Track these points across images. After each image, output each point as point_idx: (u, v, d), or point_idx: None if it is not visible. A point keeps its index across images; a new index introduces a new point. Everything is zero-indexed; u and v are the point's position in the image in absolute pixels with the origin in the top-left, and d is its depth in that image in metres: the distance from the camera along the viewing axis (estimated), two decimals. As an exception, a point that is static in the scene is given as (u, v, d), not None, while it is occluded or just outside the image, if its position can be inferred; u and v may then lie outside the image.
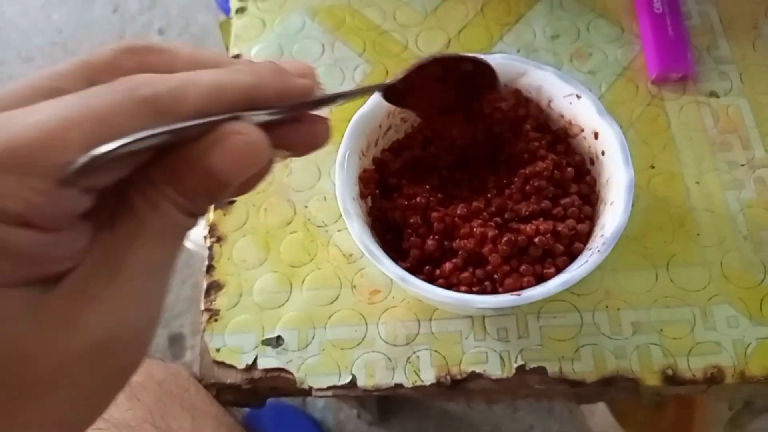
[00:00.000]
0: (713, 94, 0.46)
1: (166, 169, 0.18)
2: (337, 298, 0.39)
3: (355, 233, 0.32)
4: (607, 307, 0.39)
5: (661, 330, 0.38)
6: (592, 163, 0.37)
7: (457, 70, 0.35)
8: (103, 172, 0.17)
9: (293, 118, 0.21)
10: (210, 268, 0.40)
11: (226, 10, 0.77)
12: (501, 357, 0.38)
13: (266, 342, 0.38)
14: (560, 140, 0.38)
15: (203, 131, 0.18)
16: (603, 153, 0.35)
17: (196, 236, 0.91)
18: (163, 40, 1.27)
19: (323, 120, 0.22)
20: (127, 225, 0.18)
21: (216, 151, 0.18)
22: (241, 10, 0.52)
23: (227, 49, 0.51)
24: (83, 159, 0.16)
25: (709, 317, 0.38)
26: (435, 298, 0.31)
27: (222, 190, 0.18)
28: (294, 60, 0.25)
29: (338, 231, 0.41)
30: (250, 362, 0.37)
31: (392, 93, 0.33)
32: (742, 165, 0.43)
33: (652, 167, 0.43)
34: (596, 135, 0.36)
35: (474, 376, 0.37)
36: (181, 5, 1.30)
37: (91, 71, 0.18)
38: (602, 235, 0.32)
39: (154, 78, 0.17)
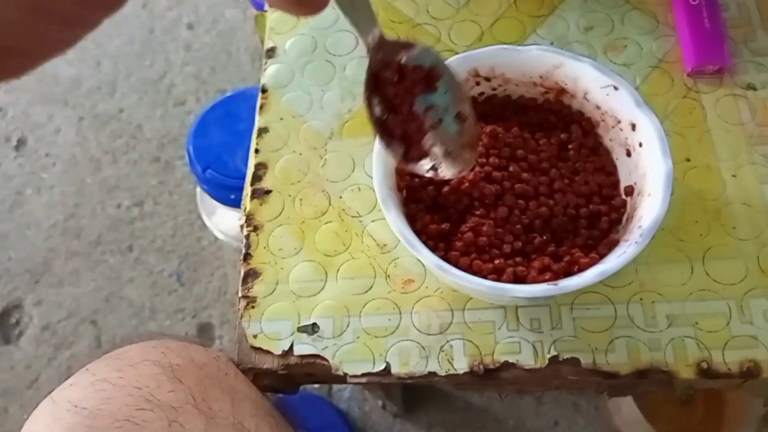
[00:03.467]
0: (750, 87, 0.45)
1: None
2: (371, 287, 0.40)
3: (392, 222, 0.33)
4: (641, 299, 0.39)
5: (696, 323, 0.38)
6: (629, 155, 0.37)
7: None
8: None
9: None
10: (247, 257, 0.41)
11: (258, 5, 0.78)
12: (534, 347, 0.38)
13: (302, 329, 0.39)
14: (588, 133, 0.39)
15: None
16: (641, 144, 0.35)
17: (227, 227, 0.92)
18: (191, 35, 1.28)
19: None
20: None
21: None
22: (275, 4, 0.52)
23: (262, 42, 0.52)
24: None
25: (745, 311, 0.38)
26: (470, 287, 0.32)
27: None
28: None
29: (372, 221, 0.42)
30: (286, 348, 0.38)
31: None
32: (780, 158, 0.42)
33: (688, 160, 0.43)
34: (633, 126, 0.36)
35: (507, 365, 0.37)
36: (210, 1, 1.31)
37: None
38: (640, 227, 0.32)
39: None
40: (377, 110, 0.34)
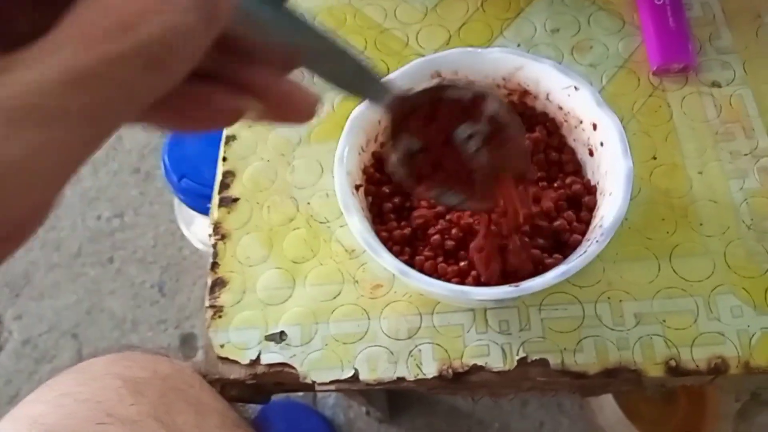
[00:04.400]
0: (715, 84, 0.45)
1: None
2: (339, 293, 0.40)
3: (355, 228, 0.33)
4: (609, 298, 0.39)
5: (664, 321, 0.38)
6: (591, 154, 0.37)
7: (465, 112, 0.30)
8: None
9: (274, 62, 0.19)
10: (214, 266, 0.41)
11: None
12: (503, 349, 0.38)
13: (270, 337, 0.38)
14: (552, 134, 0.39)
15: None
16: (602, 144, 0.35)
17: (205, 236, 0.92)
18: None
19: (310, 93, 0.20)
20: None
21: None
22: (243, 11, 0.52)
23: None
24: None
25: (712, 307, 0.38)
26: (434, 291, 0.32)
27: None
28: None
29: (340, 227, 0.42)
30: (254, 357, 0.38)
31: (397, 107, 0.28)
32: (746, 154, 0.43)
33: (654, 158, 0.43)
34: (594, 126, 0.36)
35: (476, 368, 0.37)
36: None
37: None
38: (601, 226, 0.32)
39: None
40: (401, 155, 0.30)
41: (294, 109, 0.20)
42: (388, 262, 0.31)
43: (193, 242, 0.94)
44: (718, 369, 0.36)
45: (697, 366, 0.37)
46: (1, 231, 0.14)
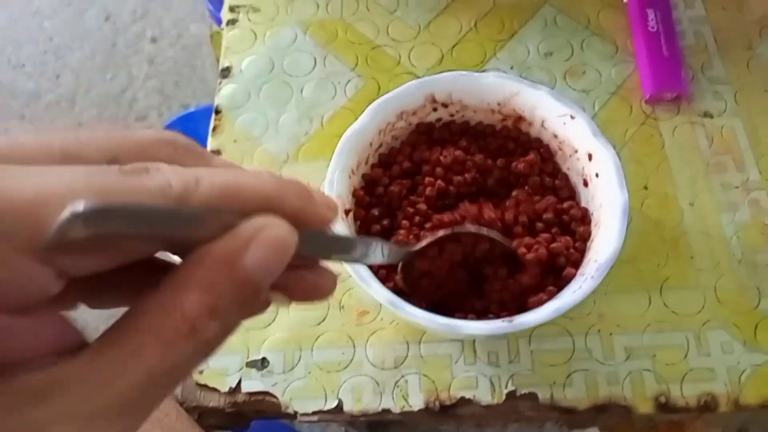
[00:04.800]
0: (707, 115, 0.45)
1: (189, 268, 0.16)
2: (324, 318, 0.39)
3: (342, 255, 0.31)
4: (599, 331, 0.38)
5: (654, 355, 0.37)
6: (586, 185, 0.36)
7: (472, 247, 0.34)
8: (85, 252, 0.15)
9: (299, 264, 0.19)
10: (194, 287, 0.39)
11: (219, 21, 0.76)
12: (491, 382, 0.37)
13: (251, 364, 0.37)
14: (546, 160, 0.38)
15: (205, 227, 0.16)
16: (597, 175, 0.35)
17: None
18: (155, 49, 1.26)
19: (330, 274, 0.21)
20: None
21: (253, 245, 0.16)
22: (232, 22, 0.51)
23: (218, 60, 0.51)
24: (64, 216, 0.14)
25: (703, 342, 0.37)
26: (424, 324, 0.31)
27: (256, 296, 0.17)
28: (322, 192, 0.24)
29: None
30: (233, 385, 0.36)
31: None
32: (737, 187, 0.42)
33: (646, 188, 0.43)
34: (590, 156, 0.35)
35: (463, 401, 0.36)
36: (174, 15, 1.29)
37: (118, 148, 0.17)
38: (596, 261, 0.32)
39: (168, 167, 0.16)
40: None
41: (317, 294, 0.21)
42: (378, 292, 0.30)
43: (171, 256, 0.91)
44: (707, 406, 0.36)
45: (687, 403, 0.36)
46: None
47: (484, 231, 0.33)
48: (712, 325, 0.38)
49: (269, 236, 0.16)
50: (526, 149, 0.39)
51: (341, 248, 0.23)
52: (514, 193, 0.36)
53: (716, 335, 0.38)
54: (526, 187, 0.37)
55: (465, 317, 0.33)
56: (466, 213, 0.34)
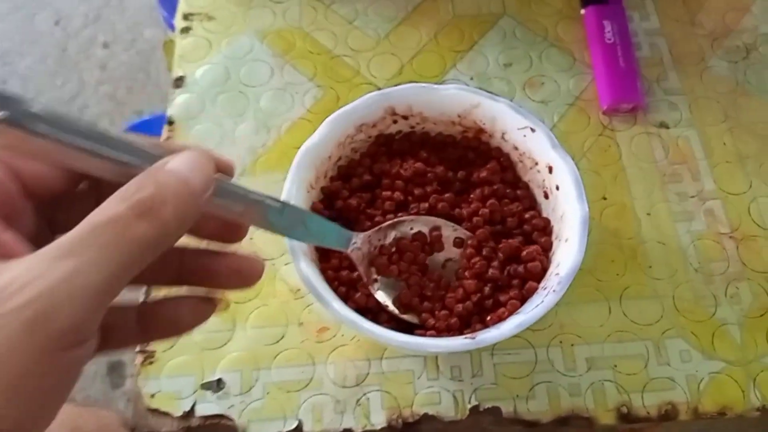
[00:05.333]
0: (663, 125, 0.46)
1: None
2: (283, 336, 0.37)
3: (302, 274, 0.30)
4: (561, 342, 0.38)
5: (615, 366, 0.37)
6: (547, 197, 0.36)
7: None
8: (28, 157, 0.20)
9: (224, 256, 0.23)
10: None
11: (173, 27, 0.74)
12: (454, 397, 0.36)
13: (206, 386, 0.36)
14: (506, 169, 0.38)
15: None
16: (557, 187, 0.35)
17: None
18: (107, 54, 1.22)
19: (256, 259, 0.24)
20: None
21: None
22: (185, 30, 0.50)
23: (170, 70, 0.49)
24: None
25: (662, 352, 0.38)
26: (386, 342, 0.30)
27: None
28: None
29: (285, 264, 0.39)
30: (187, 409, 0.35)
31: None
32: (692, 197, 0.43)
33: (604, 198, 0.43)
34: (550, 169, 0.35)
35: (426, 418, 0.35)
36: (128, 20, 1.26)
37: None
38: (557, 274, 0.31)
39: None
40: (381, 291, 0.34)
41: (244, 277, 0.24)
42: (338, 311, 0.30)
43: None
44: (668, 415, 0.36)
45: (648, 413, 0.36)
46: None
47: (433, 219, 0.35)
48: (671, 333, 0.38)
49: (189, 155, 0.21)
50: (486, 159, 0.38)
51: (259, 203, 0.24)
52: (476, 191, 0.36)
53: (675, 344, 0.38)
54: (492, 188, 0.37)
55: (431, 326, 0.33)
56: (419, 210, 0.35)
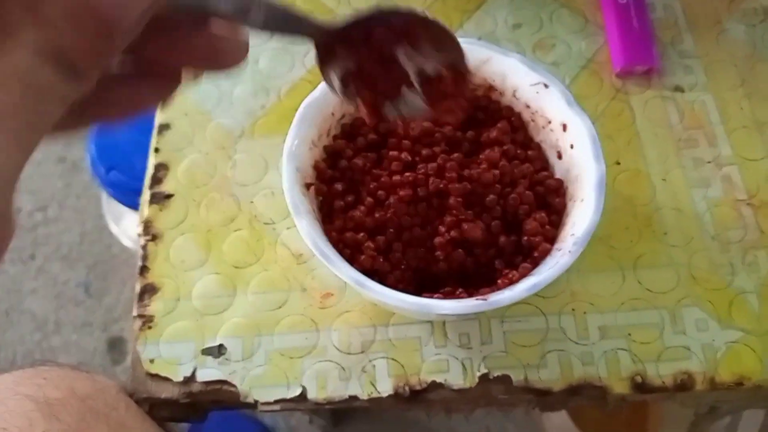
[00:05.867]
0: (678, 89, 0.44)
1: None
2: (285, 302, 0.36)
3: (304, 232, 0.29)
4: (573, 310, 0.37)
5: (629, 334, 0.36)
6: (560, 157, 0.34)
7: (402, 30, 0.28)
8: None
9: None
10: (144, 270, 0.37)
11: None
12: (463, 365, 0.35)
13: (206, 351, 0.34)
14: (517, 129, 0.36)
15: None
16: (572, 146, 0.33)
17: (136, 233, 0.86)
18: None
19: (234, 39, 0.20)
20: None
21: None
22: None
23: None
24: None
25: (678, 321, 0.36)
26: (393, 303, 0.29)
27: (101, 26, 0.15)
28: None
29: (287, 228, 0.38)
30: (188, 374, 0.34)
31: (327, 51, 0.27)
32: (708, 162, 0.41)
33: (618, 164, 0.41)
34: (564, 127, 0.33)
35: (434, 386, 0.34)
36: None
37: None
38: (573, 234, 0.30)
39: None
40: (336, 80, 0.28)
41: (223, 57, 0.20)
42: (343, 271, 0.28)
43: (122, 240, 0.87)
44: (684, 385, 0.35)
45: (663, 382, 0.35)
46: None
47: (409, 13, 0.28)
48: (687, 302, 0.37)
49: None
50: (496, 119, 0.37)
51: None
52: (486, 152, 0.34)
53: (691, 313, 0.37)
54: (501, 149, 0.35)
55: (440, 291, 0.31)
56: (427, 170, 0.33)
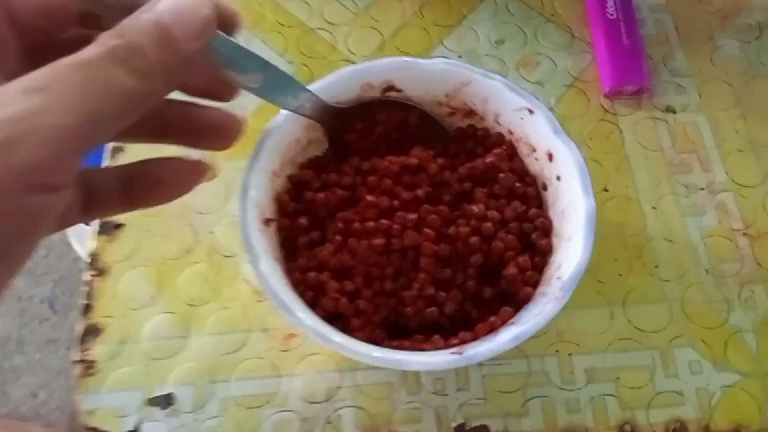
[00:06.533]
0: (670, 110, 0.42)
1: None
2: (244, 344, 0.33)
3: (260, 277, 0.26)
4: (557, 351, 0.34)
5: (618, 378, 0.33)
6: (545, 188, 0.32)
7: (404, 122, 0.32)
8: None
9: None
10: (87, 308, 0.33)
11: None
12: (438, 414, 0.32)
13: (153, 401, 0.31)
14: (512, 157, 0.33)
15: None
16: (558, 178, 0.30)
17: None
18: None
19: (233, 116, 0.23)
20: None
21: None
22: None
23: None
24: None
25: (670, 363, 0.34)
26: (359, 358, 0.25)
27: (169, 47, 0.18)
28: None
29: (248, 262, 0.35)
30: (131, 428, 0.30)
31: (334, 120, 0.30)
32: (702, 189, 0.39)
33: (606, 190, 0.39)
34: (550, 156, 0.31)
35: (406, 438, 0.31)
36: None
37: None
38: (559, 278, 0.27)
39: None
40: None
41: (220, 133, 0.23)
42: (303, 322, 0.25)
43: (83, 257, 0.83)
44: (676, 435, 0.32)
45: (654, 431, 0.32)
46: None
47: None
48: (680, 342, 0.34)
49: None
50: (488, 147, 0.33)
51: (246, 60, 0.23)
52: (476, 206, 0.30)
53: (684, 354, 0.34)
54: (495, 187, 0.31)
55: (412, 338, 0.28)
56: (405, 220, 0.29)
